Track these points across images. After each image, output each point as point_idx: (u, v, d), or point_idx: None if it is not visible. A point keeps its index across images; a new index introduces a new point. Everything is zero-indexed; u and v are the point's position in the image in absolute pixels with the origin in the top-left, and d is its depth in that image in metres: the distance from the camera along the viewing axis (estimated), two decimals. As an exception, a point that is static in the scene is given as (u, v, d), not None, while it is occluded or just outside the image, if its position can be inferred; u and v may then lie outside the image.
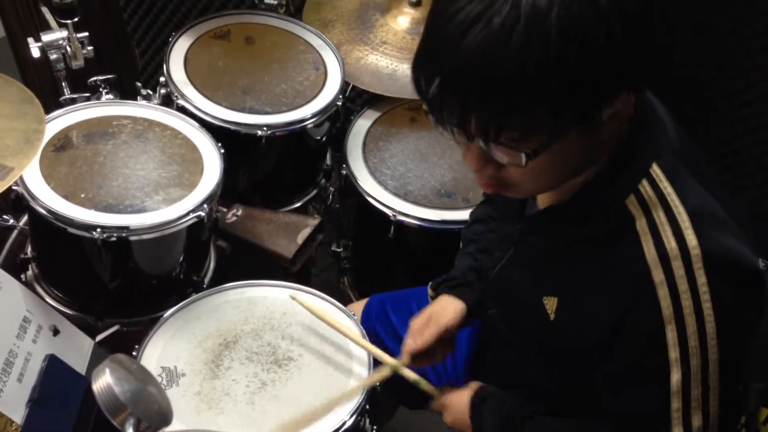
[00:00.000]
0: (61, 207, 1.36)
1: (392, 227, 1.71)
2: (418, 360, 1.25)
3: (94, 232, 1.34)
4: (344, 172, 1.79)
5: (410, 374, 1.27)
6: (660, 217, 0.91)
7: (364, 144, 1.86)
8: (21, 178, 1.38)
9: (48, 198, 1.37)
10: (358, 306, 1.56)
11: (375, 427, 1.43)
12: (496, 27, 0.78)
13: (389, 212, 1.70)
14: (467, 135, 0.86)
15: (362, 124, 1.91)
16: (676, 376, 0.92)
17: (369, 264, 1.94)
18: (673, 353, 0.91)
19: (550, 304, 1.02)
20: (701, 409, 0.93)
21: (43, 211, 1.36)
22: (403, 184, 1.77)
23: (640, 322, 0.92)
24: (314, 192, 1.90)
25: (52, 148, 1.46)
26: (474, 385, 1.23)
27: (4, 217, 1.65)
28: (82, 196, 1.40)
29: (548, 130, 0.84)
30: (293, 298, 1.42)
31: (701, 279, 0.89)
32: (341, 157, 1.82)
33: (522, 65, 0.78)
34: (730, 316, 0.91)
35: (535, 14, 0.78)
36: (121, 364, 0.77)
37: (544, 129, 0.83)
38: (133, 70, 2.30)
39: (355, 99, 2.12)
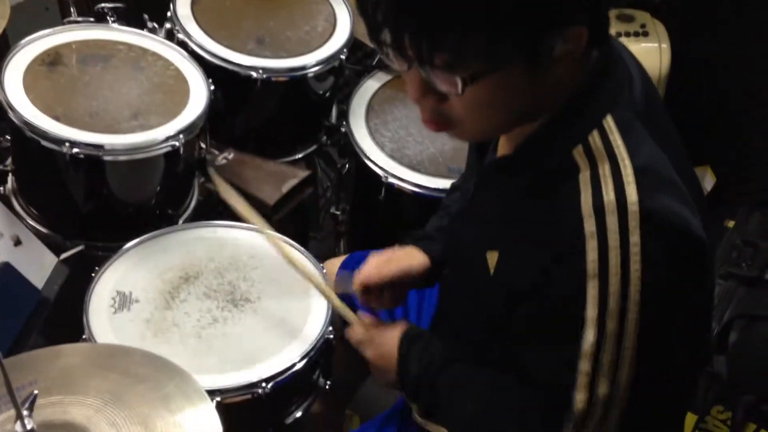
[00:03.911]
0: (35, 119, 1.36)
1: (383, 189, 1.67)
2: (366, 295, 1.20)
3: (64, 147, 1.33)
4: (344, 129, 1.76)
5: (337, 301, 1.23)
6: (605, 169, 0.85)
7: (369, 105, 1.82)
8: (2, 87, 1.39)
9: (24, 109, 1.37)
10: (337, 261, 1.52)
11: (329, 382, 1.39)
12: None
13: (381, 173, 1.66)
14: (404, 58, 0.82)
15: (371, 85, 1.87)
16: (590, 338, 0.84)
17: (362, 228, 1.91)
18: (591, 311, 0.83)
19: (492, 258, 0.96)
20: (609, 377, 0.85)
21: (18, 122, 1.36)
22: (401, 147, 1.73)
23: (565, 275, 0.85)
24: (314, 147, 1.86)
25: (39, 62, 1.46)
26: (403, 323, 1.16)
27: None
28: (59, 110, 1.39)
29: (484, 56, 0.78)
30: (262, 232, 1.37)
31: (634, 238, 0.82)
32: (342, 113, 1.79)
33: None
34: (661, 283, 0.83)
35: None
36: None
37: (480, 54, 0.78)
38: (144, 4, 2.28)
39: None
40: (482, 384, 1.04)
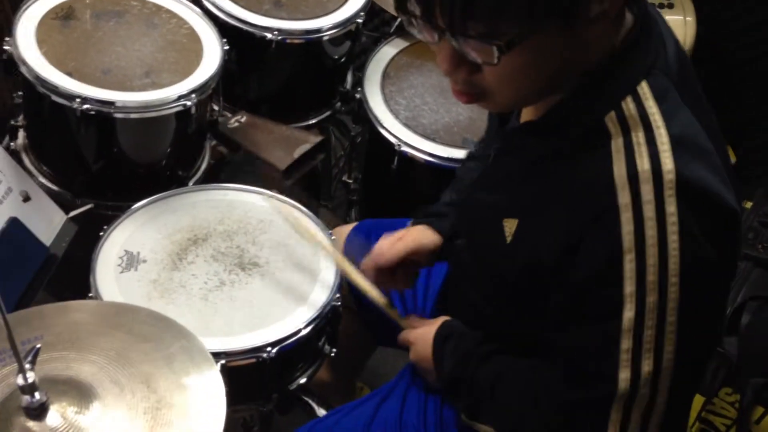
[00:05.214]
0: (47, 74, 1.34)
1: (396, 158, 1.65)
2: (379, 277, 1.19)
3: (75, 103, 1.32)
4: (358, 95, 1.73)
5: (379, 297, 1.21)
6: (638, 137, 0.82)
7: (385, 71, 1.80)
8: (15, 40, 1.37)
9: (37, 63, 1.35)
10: (346, 229, 1.50)
11: (334, 349, 1.38)
12: None
13: (395, 141, 1.64)
14: (435, 29, 0.79)
15: (387, 52, 1.84)
16: (629, 313, 0.82)
17: (374, 196, 1.89)
18: (629, 287, 0.81)
19: (510, 226, 0.94)
20: (653, 352, 0.83)
21: (29, 77, 1.34)
22: (416, 116, 1.70)
23: (597, 247, 0.82)
24: (327, 113, 1.84)
25: (53, 15, 1.44)
26: (438, 321, 1.14)
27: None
28: (71, 66, 1.37)
29: (520, 21, 0.75)
30: (278, 211, 1.38)
31: (671, 208, 0.79)
32: (358, 81, 1.76)
33: None
34: (698, 255, 0.81)
35: None
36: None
37: (516, 19, 0.75)
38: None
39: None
40: (523, 375, 1.00)
